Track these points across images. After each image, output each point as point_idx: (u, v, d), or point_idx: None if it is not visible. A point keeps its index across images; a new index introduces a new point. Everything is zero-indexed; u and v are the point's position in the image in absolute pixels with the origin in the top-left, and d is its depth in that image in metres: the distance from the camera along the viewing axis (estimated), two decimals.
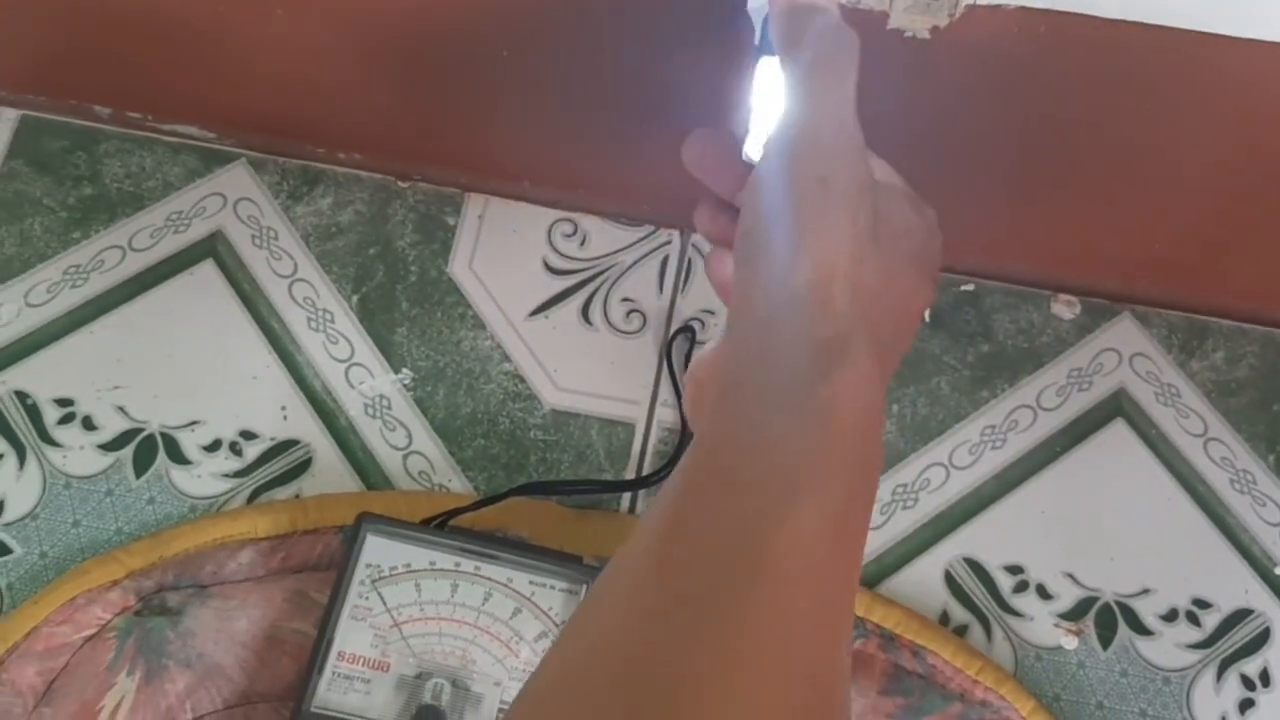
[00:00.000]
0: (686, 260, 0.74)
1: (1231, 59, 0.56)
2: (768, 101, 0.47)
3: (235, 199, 0.75)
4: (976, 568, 0.67)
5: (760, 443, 0.39)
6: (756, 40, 0.49)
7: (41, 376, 0.69)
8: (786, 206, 0.42)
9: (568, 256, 0.74)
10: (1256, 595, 0.67)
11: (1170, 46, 0.56)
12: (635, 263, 0.74)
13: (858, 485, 0.40)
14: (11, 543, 0.66)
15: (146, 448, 0.68)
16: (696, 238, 0.75)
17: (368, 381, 0.70)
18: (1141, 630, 0.66)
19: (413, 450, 0.69)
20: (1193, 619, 0.67)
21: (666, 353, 0.71)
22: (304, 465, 0.68)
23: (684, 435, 0.69)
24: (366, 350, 0.71)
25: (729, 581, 0.36)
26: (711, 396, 0.43)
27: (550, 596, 0.62)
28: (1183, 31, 0.55)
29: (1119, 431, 0.71)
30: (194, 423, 0.69)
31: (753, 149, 0.48)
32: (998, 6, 0.55)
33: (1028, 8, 0.55)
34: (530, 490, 0.67)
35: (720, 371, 0.43)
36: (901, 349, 0.45)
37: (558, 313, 0.73)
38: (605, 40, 0.63)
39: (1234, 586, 0.68)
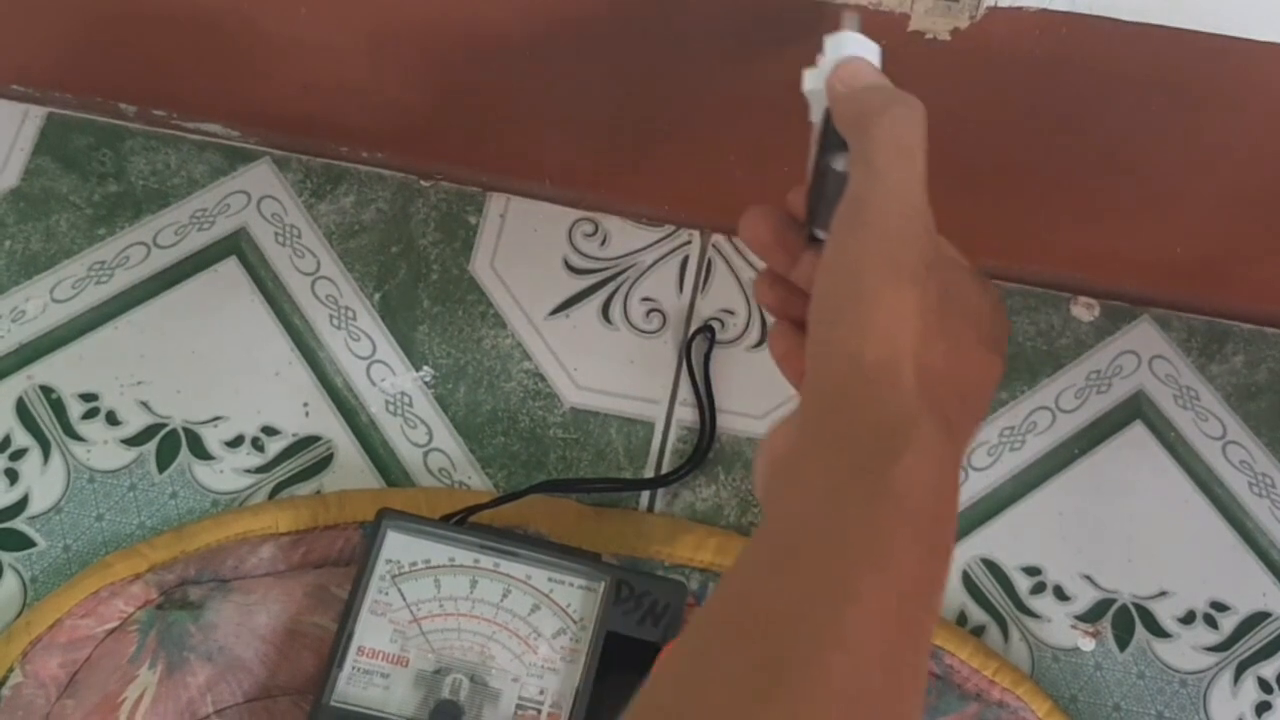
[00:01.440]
0: (706, 260, 0.74)
1: (1253, 61, 0.56)
2: (832, 182, 0.47)
3: (259, 197, 0.75)
4: (994, 569, 0.68)
5: (829, 525, 0.40)
6: (813, 118, 0.49)
7: (66, 371, 0.70)
8: (856, 286, 0.42)
9: (588, 256, 0.74)
10: (1274, 598, 0.67)
11: (1191, 49, 0.56)
12: (655, 262, 0.74)
13: (926, 565, 0.40)
14: (35, 536, 0.66)
15: (169, 443, 0.69)
16: (717, 238, 0.75)
17: (389, 379, 0.71)
18: (1159, 632, 0.66)
19: (433, 447, 0.69)
20: (1210, 622, 0.67)
21: (686, 352, 0.72)
22: (325, 461, 0.69)
23: (701, 434, 0.69)
24: (388, 348, 0.72)
25: (799, 651, 0.37)
26: (782, 475, 0.44)
27: (568, 593, 0.62)
28: (1204, 34, 0.55)
29: (1138, 434, 0.71)
30: (217, 418, 0.69)
31: (819, 225, 0.48)
32: (1018, 9, 0.55)
33: (1048, 10, 0.55)
34: (549, 488, 0.67)
35: (791, 450, 0.44)
36: (973, 426, 0.46)
37: (578, 312, 0.73)
38: (626, 40, 0.63)
39: (1252, 589, 0.67)
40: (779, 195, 0.71)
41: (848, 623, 0.37)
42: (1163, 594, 0.67)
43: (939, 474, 0.41)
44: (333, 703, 0.59)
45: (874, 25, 0.56)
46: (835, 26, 0.49)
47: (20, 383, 0.70)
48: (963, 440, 0.44)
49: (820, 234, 0.47)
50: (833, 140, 0.47)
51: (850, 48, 0.48)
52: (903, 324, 0.42)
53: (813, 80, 0.49)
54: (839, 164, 0.46)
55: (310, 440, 0.69)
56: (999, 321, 0.47)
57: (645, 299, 0.73)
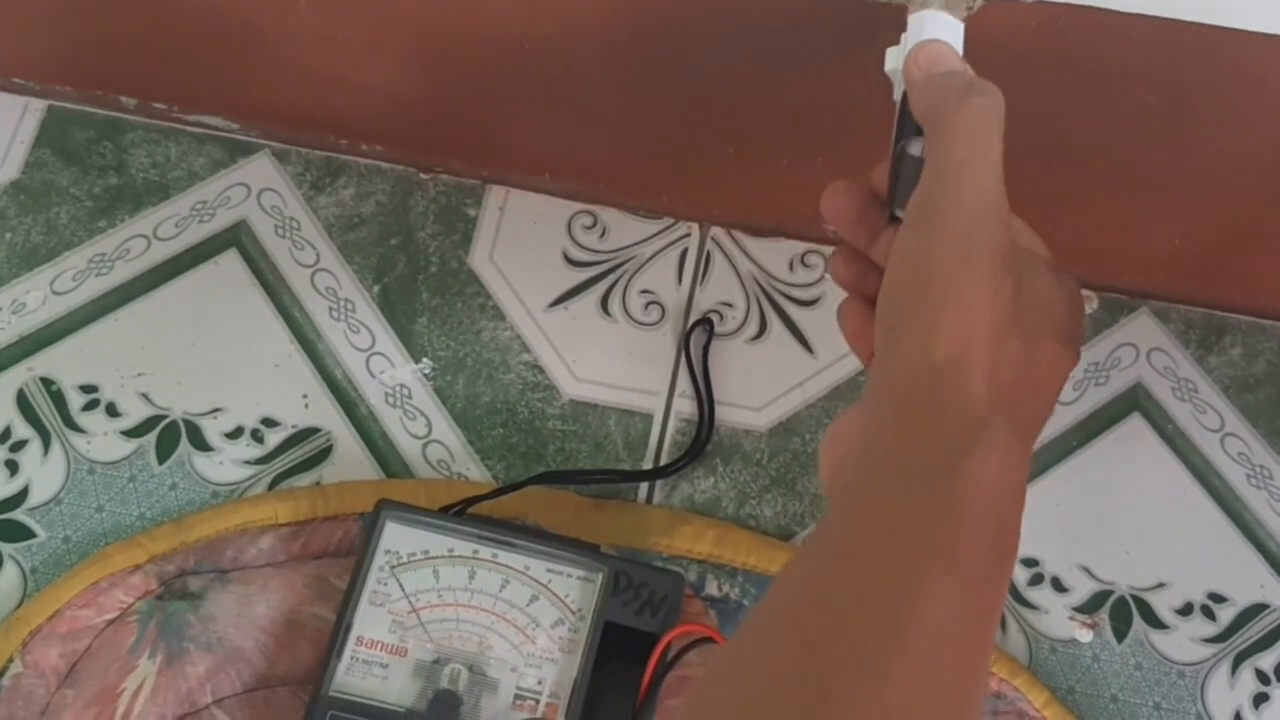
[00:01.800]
0: (705, 253, 0.74)
1: (1250, 53, 0.56)
2: (908, 166, 0.46)
3: (259, 189, 0.75)
4: None
5: (899, 523, 0.40)
6: (895, 97, 0.49)
7: (66, 363, 0.70)
8: (928, 279, 0.42)
9: (587, 248, 0.75)
10: (1272, 590, 0.67)
11: (1188, 41, 0.56)
12: (654, 255, 0.74)
13: (993, 566, 0.40)
14: (36, 527, 0.66)
15: (169, 434, 0.69)
16: (715, 230, 0.75)
17: (388, 371, 0.71)
18: (1156, 624, 0.66)
19: (432, 439, 0.69)
20: (1208, 613, 0.67)
21: (685, 344, 0.72)
22: (325, 453, 0.69)
23: (700, 426, 0.69)
24: (387, 340, 0.72)
25: (865, 654, 0.37)
26: (850, 468, 0.44)
27: (567, 584, 0.62)
28: (1201, 26, 0.55)
29: (1136, 426, 0.71)
30: (216, 410, 0.69)
31: (898, 206, 0.47)
32: (1016, 0, 0.55)
33: (1046, 2, 0.55)
34: (548, 479, 0.67)
35: (859, 444, 0.43)
36: (1041, 420, 0.45)
37: (577, 304, 0.73)
38: (626, 33, 0.63)
39: (1249, 581, 0.68)
40: (779, 189, 0.71)
41: (911, 623, 0.37)
42: (1160, 585, 0.67)
43: (1006, 472, 0.41)
44: (331, 693, 0.59)
45: (871, 16, 0.57)
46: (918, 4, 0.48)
47: (20, 374, 0.70)
48: (1030, 436, 0.44)
49: (900, 214, 0.46)
50: (909, 124, 0.46)
51: (930, 29, 0.47)
52: (974, 321, 0.41)
53: (893, 60, 0.48)
54: (915, 149, 0.46)
55: (310, 432, 0.69)
56: (1073, 312, 0.46)
57: (644, 291, 0.73)
